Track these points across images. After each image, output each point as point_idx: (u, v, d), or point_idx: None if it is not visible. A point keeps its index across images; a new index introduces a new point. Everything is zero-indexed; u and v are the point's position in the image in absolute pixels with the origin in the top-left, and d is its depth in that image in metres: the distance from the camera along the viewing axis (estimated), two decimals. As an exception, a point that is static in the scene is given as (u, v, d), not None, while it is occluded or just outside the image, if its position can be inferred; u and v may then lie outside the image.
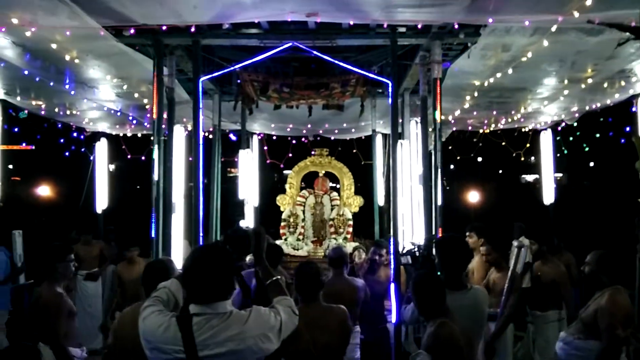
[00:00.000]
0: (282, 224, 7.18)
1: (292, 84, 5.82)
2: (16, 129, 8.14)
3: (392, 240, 4.94)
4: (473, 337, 3.02)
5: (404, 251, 4.40)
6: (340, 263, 4.21)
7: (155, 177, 5.00)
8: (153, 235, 4.98)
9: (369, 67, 5.91)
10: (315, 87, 5.88)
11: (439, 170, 5.03)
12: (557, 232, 6.54)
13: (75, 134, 9.55)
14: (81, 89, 6.69)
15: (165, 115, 5.36)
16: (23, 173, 22.64)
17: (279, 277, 2.49)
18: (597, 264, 3.56)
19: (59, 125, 8.80)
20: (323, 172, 7.54)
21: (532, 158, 12.72)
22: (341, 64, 5.22)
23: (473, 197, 15.45)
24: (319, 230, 7.10)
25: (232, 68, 5.44)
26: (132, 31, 4.66)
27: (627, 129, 7.24)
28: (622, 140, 8.04)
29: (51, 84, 6.08)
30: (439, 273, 3.58)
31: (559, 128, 8.70)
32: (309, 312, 3.05)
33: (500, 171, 29.87)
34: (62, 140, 9.64)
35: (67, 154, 9.76)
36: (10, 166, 27.95)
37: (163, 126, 5.39)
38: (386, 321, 4.89)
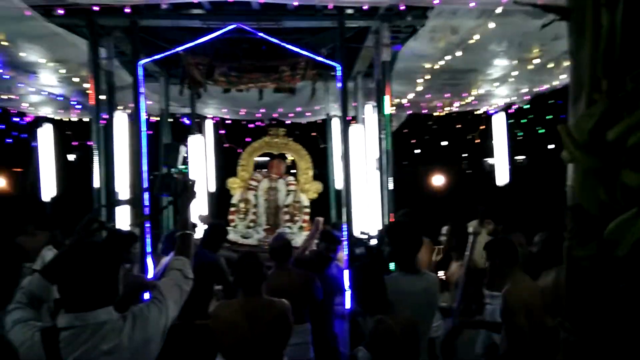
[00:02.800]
0: (232, 209, 6.51)
1: (239, 68, 5.63)
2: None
3: (345, 227, 4.85)
4: (425, 321, 3.01)
5: (355, 242, 4.28)
6: (285, 254, 3.90)
7: (96, 165, 4.76)
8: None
9: (318, 50, 5.77)
10: (264, 70, 5.70)
11: (389, 154, 4.98)
12: (510, 213, 6.64)
13: (16, 119, 9.05)
14: (16, 73, 6.31)
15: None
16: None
17: (190, 232, 2.36)
18: (544, 245, 3.61)
19: (-1, 111, 8.32)
20: (278, 153, 6.96)
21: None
22: (287, 46, 5.06)
23: (437, 180, 15.66)
24: (273, 218, 6.48)
25: (173, 51, 5.20)
26: (60, 11, 4.36)
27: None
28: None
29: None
30: (389, 264, 3.53)
31: (511, 110, 8.82)
32: (249, 305, 2.97)
33: (465, 155, 30.37)
34: (2, 127, 9.10)
35: (9, 140, 9.23)
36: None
37: (104, 111, 5.15)
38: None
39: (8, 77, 6.25)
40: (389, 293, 2.87)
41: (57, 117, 9.22)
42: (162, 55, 5.27)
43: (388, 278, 3.00)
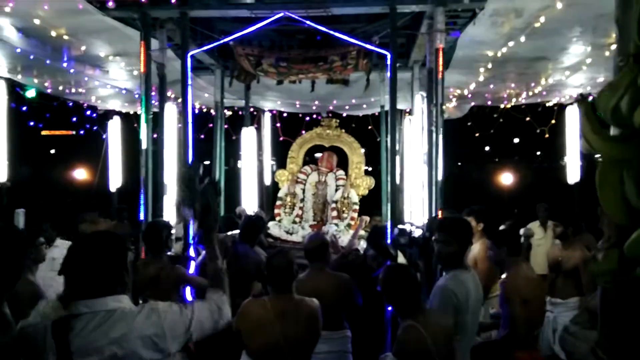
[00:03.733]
0: (278, 202, 6.15)
1: (288, 58, 5.51)
2: (24, 108, 8.12)
3: (389, 224, 4.61)
4: (476, 322, 2.98)
5: (398, 232, 4.02)
6: (320, 254, 3.60)
7: (143, 157, 4.83)
8: (142, 217, 4.84)
9: (372, 39, 5.54)
10: (314, 61, 5.54)
11: (439, 147, 4.66)
12: (581, 213, 6.09)
13: (88, 113, 9.54)
14: (82, 66, 6.59)
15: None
16: (61, 156, 23.11)
17: (222, 267, 2.26)
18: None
19: (70, 104, 8.78)
20: (329, 146, 6.56)
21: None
22: (335, 34, 4.87)
23: (506, 178, 14.88)
24: (320, 213, 6.11)
25: (221, 41, 5.17)
26: (110, 3, 4.44)
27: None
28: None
29: (47, 62, 5.97)
30: (435, 259, 3.36)
31: (577, 99, 8.08)
32: (278, 304, 2.88)
33: (539, 152, 28.85)
34: (74, 119, 9.63)
35: (82, 132, 9.75)
36: (52, 151, 28.90)
37: (155, 103, 5.23)
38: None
39: (73, 71, 6.52)
40: (457, 293, 2.79)
41: (125, 110, 9.60)
42: (211, 45, 5.26)
43: (451, 278, 2.87)
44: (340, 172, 6.30)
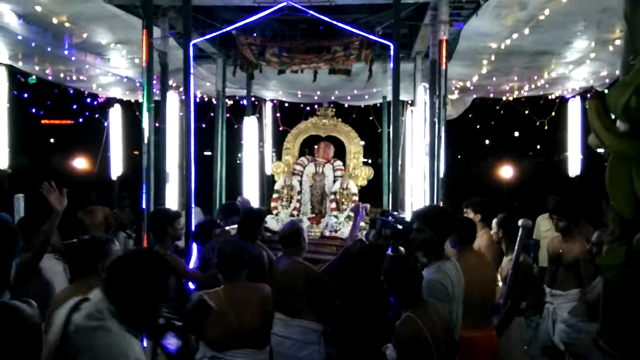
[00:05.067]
0: (274, 196, 5.84)
1: (291, 48, 5.48)
2: (25, 95, 8.09)
3: (390, 216, 4.60)
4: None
5: (381, 223, 3.74)
6: (292, 241, 3.65)
7: (145, 145, 4.83)
8: (144, 206, 4.85)
9: (375, 30, 5.51)
10: (317, 51, 5.51)
11: (442, 140, 4.66)
12: (581, 206, 6.11)
13: (89, 100, 9.52)
14: (83, 54, 6.57)
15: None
16: (61, 145, 22.96)
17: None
18: (602, 243, 3.26)
19: (71, 92, 8.76)
20: (326, 136, 6.14)
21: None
22: (338, 24, 4.85)
23: (506, 172, 14.93)
24: (318, 205, 5.84)
25: (223, 30, 5.15)
26: (112, -11, 4.42)
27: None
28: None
29: (48, 49, 5.95)
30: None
31: (588, 95, 8.07)
32: (232, 293, 2.99)
33: (538, 146, 28.82)
34: (75, 107, 9.60)
35: (81, 120, 9.74)
36: (52, 140, 28.77)
37: (157, 92, 5.21)
38: None
39: (75, 58, 6.50)
40: (445, 284, 2.80)
41: (126, 98, 9.58)
42: (213, 34, 5.24)
43: (435, 270, 2.86)
44: (338, 163, 6.00)
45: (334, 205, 5.66)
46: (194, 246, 4.52)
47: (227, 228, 3.98)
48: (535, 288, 5.44)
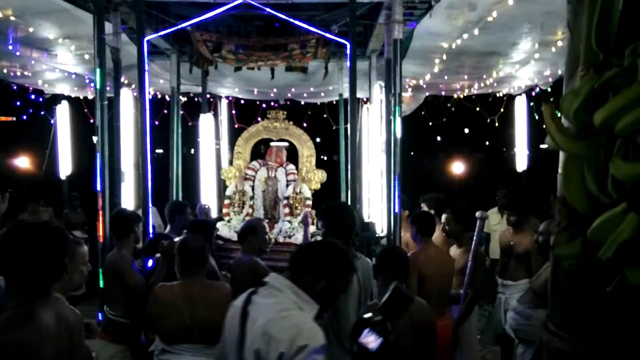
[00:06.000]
0: (226, 202, 5.64)
1: (247, 45, 5.47)
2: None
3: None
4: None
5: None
6: (243, 238, 3.74)
7: (98, 145, 4.70)
8: (99, 205, 4.72)
9: (331, 28, 5.58)
10: (273, 48, 5.53)
11: (397, 137, 4.79)
12: (529, 199, 6.41)
13: (33, 97, 9.11)
14: (28, 49, 6.30)
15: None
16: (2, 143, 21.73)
17: None
18: (548, 233, 3.46)
19: (14, 87, 8.36)
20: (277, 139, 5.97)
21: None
22: (295, 22, 4.88)
23: (458, 168, 15.43)
24: (271, 211, 5.69)
25: (178, 26, 5.08)
26: (62, -17, 4.27)
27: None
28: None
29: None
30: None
31: (533, 93, 8.47)
32: (188, 289, 2.99)
33: (487, 142, 29.79)
34: (18, 103, 9.17)
35: (24, 117, 9.31)
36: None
37: (108, 88, 5.07)
38: None
39: (19, 54, 6.22)
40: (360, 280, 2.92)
41: (74, 95, 9.24)
42: (168, 30, 5.15)
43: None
44: (291, 167, 5.83)
45: (287, 210, 5.51)
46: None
47: (176, 239, 3.86)
48: (488, 279, 5.68)
